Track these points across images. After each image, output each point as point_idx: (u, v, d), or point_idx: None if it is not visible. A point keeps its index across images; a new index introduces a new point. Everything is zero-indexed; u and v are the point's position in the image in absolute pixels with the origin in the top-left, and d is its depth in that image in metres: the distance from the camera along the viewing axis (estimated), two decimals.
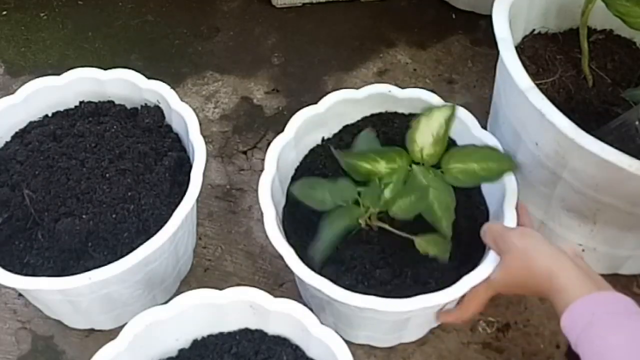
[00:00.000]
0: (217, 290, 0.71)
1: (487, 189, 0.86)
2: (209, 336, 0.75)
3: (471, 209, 0.86)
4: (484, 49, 1.26)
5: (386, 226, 0.78)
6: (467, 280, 0.74)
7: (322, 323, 0.70)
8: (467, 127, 0.88)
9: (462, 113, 0.88)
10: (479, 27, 1.30)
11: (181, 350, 0.75)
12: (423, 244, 0.76)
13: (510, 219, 0.79)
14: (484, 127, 0.98)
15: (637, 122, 0.77)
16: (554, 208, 0.88)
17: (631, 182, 0.74)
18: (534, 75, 0.92)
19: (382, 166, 0.80)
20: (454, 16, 1.32)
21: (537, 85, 0.80)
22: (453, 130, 0.89)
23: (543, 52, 0.96)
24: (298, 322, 0.70)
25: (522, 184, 0.90)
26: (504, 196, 0.80)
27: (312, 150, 0.92)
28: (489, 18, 0.88)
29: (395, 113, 0.93)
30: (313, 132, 0.91)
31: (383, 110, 0.93)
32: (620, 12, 0.83)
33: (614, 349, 0.55)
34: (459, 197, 0.81)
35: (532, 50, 0.96)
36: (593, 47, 0.95)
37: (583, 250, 0.91)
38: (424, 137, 0.80)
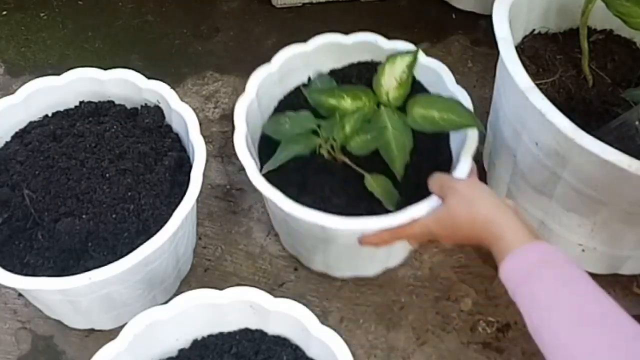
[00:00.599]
0: (217, 290, 0.71)
1: (454, 139, 0.90)
2: (209, 336, 0.75)
3: (436, 156, 0.90)
4: (484, 49, 1.26)
5: (346, 159, 0.84)
6: (410, 211, 0.77)
7: (284, 246, 0.72)
8: (442, 79, 0.91)
9: (437, 66, 0.92)
10: (479, 27, 1.30)
11: (181, 350, 0.75)
12: (372, 182, 0.82)
13: (464, 166, 0.82)
14: (484, 125, 0.98)
15: (637, 122, 0.77)
16: (554, 208, 0.88)
17: (631, 182, 0.74)
18: (534, 75, 0.92)
19: (347, 103, 0.85)
20: (454, 16, 1.32)
21: (537, 85, 0.80)
22: (427, 80, 0.94)
23: (543, 52, 0.96)
24: (298, 322, 0.70)
25: (522, 184, 0.90)
26: (463, 146, 0.84)
27: (297, 88, 0.95)
28: (489, 18, 0.88)
29: (381, 63, 0.94)
30: (299, 71, 0.95)
31: (370, 59, 0.97)
32: (620, 12, 0.83)
33: (549, 298, 0.56)
34: (427, 143, 0.87)
35: (532, 50, 0.96)
36: (593, 47, 0.95)
37: (583, 251, 0.90)
38: (388, 81, 0.85)
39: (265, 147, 0.90)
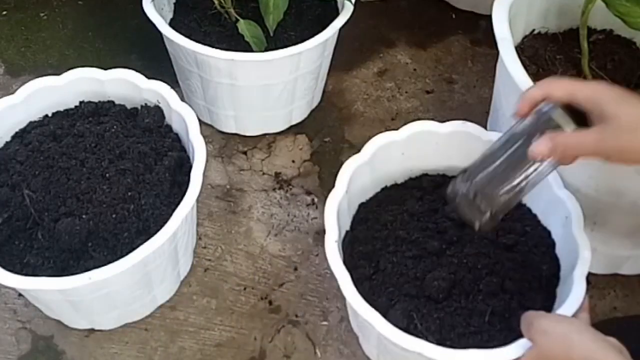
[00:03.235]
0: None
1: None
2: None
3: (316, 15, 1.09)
4: (484, 49, 1.26)
5: (232, 10, 1.01)
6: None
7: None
8: None
9: None
10: (479, 27, 1.30)
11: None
12: (243, 27, 0.98)
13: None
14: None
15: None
16: None
17: (631, 182, 0.74)
18: (534, 75, 0.92)
19: None
20: (454, 16, 1.32)
21: None
22: None
23: (543, 52, 0.96)
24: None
25: None
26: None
27: None
28: (489, 18, 0.88)
29: None
30: None
31: None
32: (621, 12, 0.83)
33: None
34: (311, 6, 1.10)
35: (532, 50, 0.96)
36: (593, 47, 0.95)
37: None
38: None
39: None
